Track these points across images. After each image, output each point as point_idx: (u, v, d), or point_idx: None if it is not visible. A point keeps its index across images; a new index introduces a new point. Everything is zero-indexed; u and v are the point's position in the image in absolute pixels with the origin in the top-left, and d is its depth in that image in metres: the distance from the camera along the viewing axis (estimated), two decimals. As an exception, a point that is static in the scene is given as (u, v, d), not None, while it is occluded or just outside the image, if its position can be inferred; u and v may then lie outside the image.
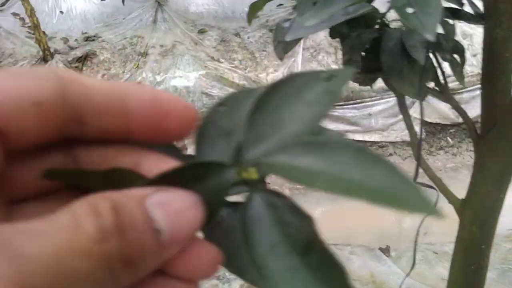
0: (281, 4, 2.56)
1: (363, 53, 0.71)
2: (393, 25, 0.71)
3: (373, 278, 1.65)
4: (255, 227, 0.21)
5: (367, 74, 0.74)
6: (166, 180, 0.20)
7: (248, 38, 2.69)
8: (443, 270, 1.65)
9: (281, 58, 0.69)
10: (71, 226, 0.15)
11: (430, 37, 0.42)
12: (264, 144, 0.23)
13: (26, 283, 0.13)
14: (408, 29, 0.66)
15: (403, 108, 0.84)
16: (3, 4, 2.67)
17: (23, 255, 0.13)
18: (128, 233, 0.17)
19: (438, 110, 2.49)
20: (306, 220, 0.21)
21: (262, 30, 2.71)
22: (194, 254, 0.21)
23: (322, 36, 2.51)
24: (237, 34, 2.72)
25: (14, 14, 2.63)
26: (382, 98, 2.41)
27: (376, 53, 0.68)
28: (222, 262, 0.22)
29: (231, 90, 2.33)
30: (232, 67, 2.55)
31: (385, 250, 1.82)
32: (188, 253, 0.20)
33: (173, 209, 0.19)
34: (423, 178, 0.80)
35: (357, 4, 0.55)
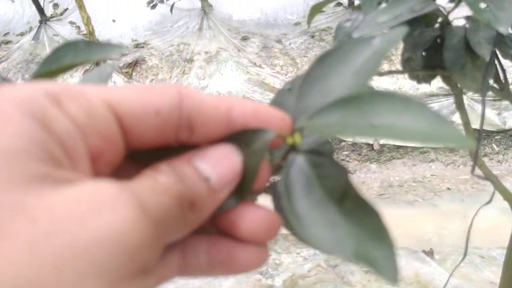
0: (322, 11, 2.57)
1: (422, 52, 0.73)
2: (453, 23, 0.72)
3: (417, 278, 1.63)
4: (296, 182, 0.23)
5: (426, 71, 0.75)
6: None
7: (290, 44, 2.71)
8: (490, 274, 1.64)
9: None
10: (152, 180, 0.20)
11: (504, 30, 0.46)
12: (310, 110, 0.24)
13: (145, 207, 0.17)
14: (473, 27, 0.67)
15: (461, 106, 0.84)
16: (61, 14, 2.80)
17: (140, 195, 0.18)
18: (186, 181, 0.20)
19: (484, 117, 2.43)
20: (342, 171, 0.22)
21: (303, 36, 2.73)
22: (255, 217, 0.24)
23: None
24: (278, 41, 2.74)
25: (71, 23, 2.75)
26: (426, 103, 2.38)
27: (436, 50, 0.70)
28: (281, 223, 0.24)
29: (272, 95, 2.34)
30: (273, 72, 2.58)
31: (429, 253, 1.80)
32: (249, 216, 0.24)
33: (214, 159, 0.23)
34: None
35: (423, 3, 0.59)
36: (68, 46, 0.31)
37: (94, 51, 0.30)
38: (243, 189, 0.24)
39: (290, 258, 1.74)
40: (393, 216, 1.82)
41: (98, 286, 0.15)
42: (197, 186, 0.21)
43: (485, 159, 2.52)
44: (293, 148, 0.25)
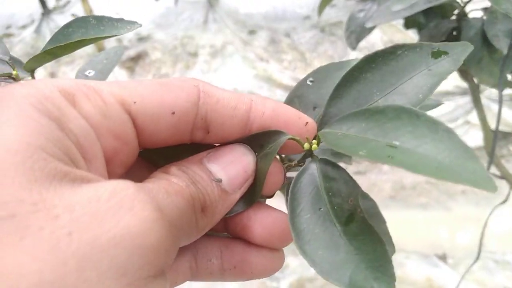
0: (333, 5, 2.53)
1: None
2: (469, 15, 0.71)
3: (429, 283, 1.61)
4: (304, 192, 0.22)
5: None
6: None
7: (299, 38, 2.68)
8: (504, 279, 1.59)
9: (353, 48, 0.70)
10: (165, 182, 0.20)
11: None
12: (336, 117, 0.23)
13: (161, 208, 0.18)
14: (490, 18, 0.66)
15: (478, 102, 0.83)
16: (64, 6, 2.79)
17: (156, 195, 0.18)
18: (198, 184, 0.21)
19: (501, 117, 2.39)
20: (354, 190, 0.21)
21: (313, 30, 2.70)
22: (268, 221, 0.23)
23: (377, 36, 2.46)
24: (287, 35, 2.72)
25: (74, 15, 2.73)
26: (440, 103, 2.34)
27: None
28: None
29: (279, 91, 2.34)
30: (281, 68, 2.55)
31: (442, 257, 1.77)
32: (262, 220, 0.23)
33: (227, 161, 0.22)
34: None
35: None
36: (78, 22, 0.30)
37: (105, 28, 0.29)
38: (254, 192, 0.23)
39: (297, 261, 1.73)
40: (405, 220, 1.81)
41: (118, 286, 0.15)
42: (208, 189, 0.21)
43: (502, 161, 2.46)
44: (309, 154, 0.23)
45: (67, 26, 0.31)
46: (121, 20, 0.30)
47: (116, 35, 0.30)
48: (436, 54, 0.22)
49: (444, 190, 2.21)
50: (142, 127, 0.21)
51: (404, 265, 1.67)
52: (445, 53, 0.22)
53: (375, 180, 2.31)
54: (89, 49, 2.62)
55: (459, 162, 0.14)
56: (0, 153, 0.15)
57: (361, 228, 0.20)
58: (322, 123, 0.23)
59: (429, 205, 2.12)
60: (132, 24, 0.30)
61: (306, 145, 0.23)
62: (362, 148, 0.17)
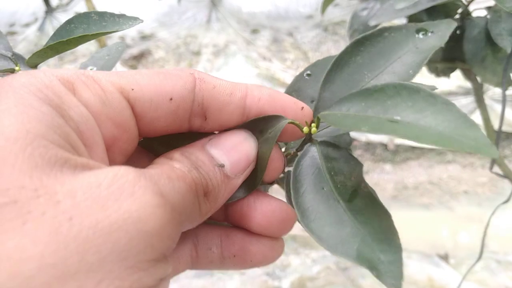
0: (336, 4, 2.53)
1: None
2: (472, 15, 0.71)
3: (431, 283, 1.60)
4: (306, 173, 0.22)
5: (445, 64, 0.73)
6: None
7: (301, 38, 2.67)
8: (506, 279, 1.60)
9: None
10: (168, 167, 0.20)
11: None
12: (333, 100, 0.23)
13: (163, 193, 0.18)
14: (494, 17, 0.66)
15: (481, 101, 0.83)
16: (67, 4, 2.79)
17: (158, 181, 0.18)
18: (201, 169, 0.21)
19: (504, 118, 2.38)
20: (356, 167, 0.21)
21: (316, 29, 2.69)
22: (268, 210, 0.23)
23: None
24: (290, 34, 2.71)
25: (77, 14, 2.73)
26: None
27: (455, 42, 0.68)
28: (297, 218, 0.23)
29: (282, 90, 2.34)
30: (284, 67, 2.54)
31: (444, 257, 1.76)
32: (262, 209, 0.23)
33: (228, 146, 0.23)
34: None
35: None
36: (80, 18, 0.31)
37: (107, 23, 0.30)
38: (256, 178, 0.23)
39: (298, 260, 1.73)
40: (407, 219, 1.81)
41: (119, 269, 0.15)
42: (211, 174, 0.21)
43: (505, 161, 2.43)
44: (309, 139, 0.24)
45: (69, 22, 0.31)
46: (123, 16, 0.30)
47: (118, 31, 0.30)
48: (422, 32, 0.22)
49: (447, 190, 2.21)
50: (141, 114, 0.21)
51: (406, 265, 1.66)
52: (430, 31, 0.22)
53: (378, 180, 2.30)
54: (92, 47, 2.63)
55: (460, 131, 0.15)
56: (0, 141, 0.16)
57: (366, 203, 0.20)
58: (317, 108, 0.23)
59: (431, 205, 2.11)
60: (134, 20, 0.30)
61: (306, 129, 0.23)
62: (364, 125, 0.18)
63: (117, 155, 0.21)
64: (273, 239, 0.24)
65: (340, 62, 0.23)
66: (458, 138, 0.15)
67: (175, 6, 2.52)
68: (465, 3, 0.65)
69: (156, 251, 0.17)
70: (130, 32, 2.79)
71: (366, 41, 0.23)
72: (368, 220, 0.19)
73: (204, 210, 0.21)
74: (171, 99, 0.21)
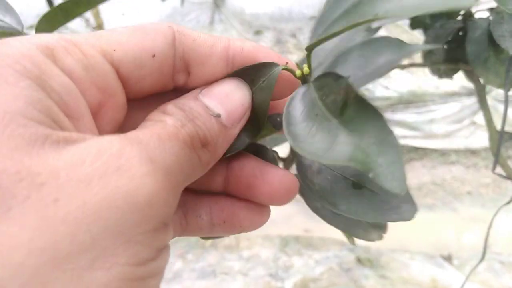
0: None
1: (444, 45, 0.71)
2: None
3: (435, 284, 1.59)
4: (298, 107, 0.22)
5: (448, 65, 0.73)
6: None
7: (304, 39, 2.68)
8: (510, 280, 1.60)
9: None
10: (159, 126, 0.19)
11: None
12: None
13: (153, 159, 0.17)
14: (496, 19, 0.67)
15: (483, 102, 0.83)
16: (70, 6, 2.80)
17: (146, 145, 0.17)
18: (196, 120, 0.20)
19: (507, 117, 2.38)
20: (342, 80, 0.21)
21: (318, 30, 2.69)
22: (274, 180, 0.23)
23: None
24: (293, 35, 2.72)
25: (80, 15, 2.74)
26: (446, 103, 2.32)
27: (458, 44, 0.69)
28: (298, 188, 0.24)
29: None
30: (287, 68, 2.55)
31: (447, 258, 1.76)
32: (268, 180, 0.23)
33: (222, 94, 0.22)
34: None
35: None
36: None
37: None
38: (256, 128, 0.23)
39: (301, 261, 1.72)
40: (411, 220, 1.78)
41: (113, 246, 0.15)
42: (208, 124, 0.21)
43: (509, 162, 2.42)
44: (304, 81, 0.23)
45: None
46: None
47: None
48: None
49: (450, 191, 2.21)
50: (126, 75, 0.20)
51: (409, 265, 1.66)
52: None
53: (381, 180, 2.34)
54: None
55: None
56: None
57: (356, 110, 0.19)
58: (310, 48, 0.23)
59: (434, 206, 2.11)
60: None
61: (298, 72, 0.23)
62: (354, 23, 0.18)
63: (107, 124, 0.20)
64: (261, 205, 0.24)
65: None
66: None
67: (178, 8, 2.53)
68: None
69: (152, 221, 0.16)
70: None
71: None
72: (359, 126, 0.18)
73: (205, 160, 0.20)
74: (153, 55, 0.20)
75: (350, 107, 0.19)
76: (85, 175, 0.15)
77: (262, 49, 0.23)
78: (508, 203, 0.75)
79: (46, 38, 0.19)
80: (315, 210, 0.31)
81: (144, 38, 0.21)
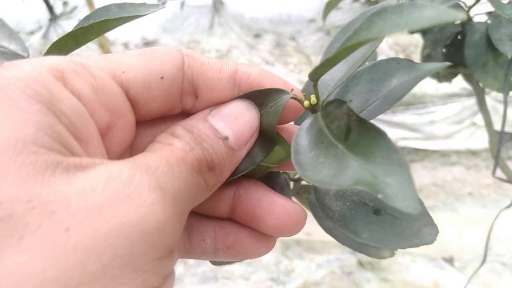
0: (338, 7, 2.54)
1: (442, 48, 0.71)
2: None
3: (436, 286, 1.59)
4: (305, 137, 0.22)
5: (447, 69, 0.73)
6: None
7: (304, 41, 2.68)
8: (511, 282, 1.60)
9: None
10: (168, 150, 0.19)
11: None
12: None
13: (162, 185, 0.17)
14: (494, 23, 0.67)
15: (483, 105, 0.83)
16: (71, 11, 2.81)
17: (155, 171, 0.18)
18: (204, 143, 0.20)
19: (507, 118, 2.37)
20: (342, 105, 0.21)
21: (318, 33, 2.69)
22: (282, 213, 0.23)
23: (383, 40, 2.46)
24: (292, 38, 2.72)
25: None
26: (446, 104, 2.32)
27: (457, 48, 0.68)
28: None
29: None
30: (287, 71, 2.55)
31: (449, 260, 1.75)
32: (276, 211, 0.23)
33: (232, 116, 0.22)
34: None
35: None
36: (100, 12, 0.30)
37: (127, 13, 0.29)
38: (260, 152, 0.24)
39: (303, 265, 1.72)
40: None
41: (123, 274, 0.15)
42: (215, 147, 0.21)
43: (509, 163, 2.41)
44: (313, 111, 0.24)
45: (88, 17, 0.30)
46: (143, 4, 0.29)
47: (141, 15, 0.28)
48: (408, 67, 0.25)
49: (451, 192, 2.20)
50: (135, 96, 0.21)
51: (411, 268, 1.65)
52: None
53: (382, 183, 2.34)
54: (96, 53, 2.62)
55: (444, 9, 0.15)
56: None
57: (359, 132, 0.19)
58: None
59: (436, 208, 2.10)
60: (155, 6, 0.29)
61: (306, 103, 0.23)
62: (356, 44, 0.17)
63: (115, 144, 0.20)
64: (267, 235, 0.24)
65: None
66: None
67: (178, 12, 2.53)
68: (466, 8, 0.66)
69: (160, 249, 0.17)
70: (134, 39, 2.80)
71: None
72: (365, 148, 0.18)
73: (211, 184, 0.21)
74: (162, 77, 0.21)
75: (353, 131, 0.19)
76: (96, 202, 0.15)
77: (269, 75, 0.23)
78: (508, 206, 0.74)
79: (57, 60, 0.19)
80: (327, 230, 0.30)
81: (152, 60, 0.21)
